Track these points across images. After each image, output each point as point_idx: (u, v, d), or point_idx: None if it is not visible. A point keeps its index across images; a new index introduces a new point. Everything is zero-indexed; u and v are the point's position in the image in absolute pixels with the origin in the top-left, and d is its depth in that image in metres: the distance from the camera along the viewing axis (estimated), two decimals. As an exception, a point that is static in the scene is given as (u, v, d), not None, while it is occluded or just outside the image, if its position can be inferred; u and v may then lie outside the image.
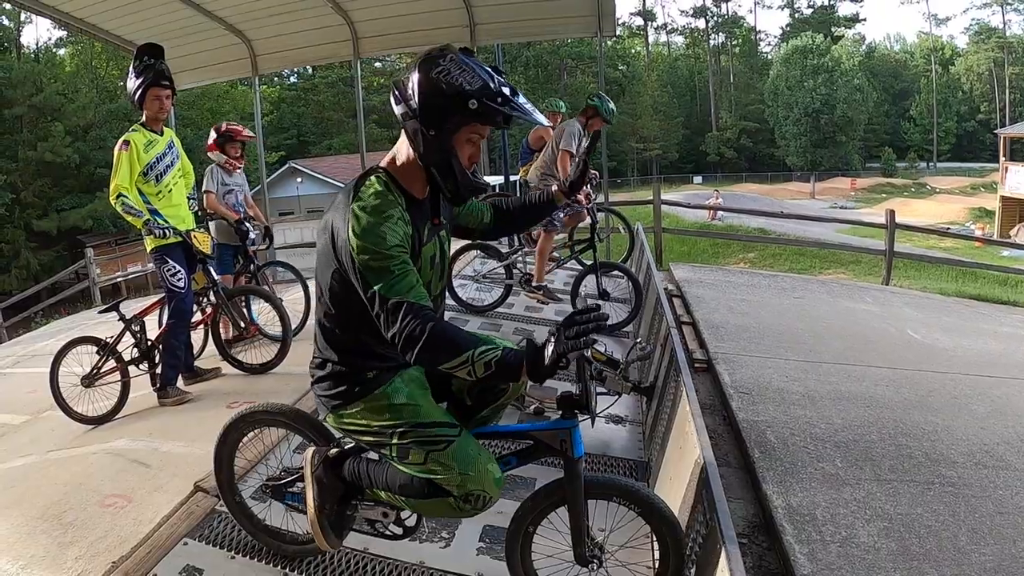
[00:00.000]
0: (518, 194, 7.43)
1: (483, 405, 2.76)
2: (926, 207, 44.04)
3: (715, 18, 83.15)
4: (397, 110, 2.32)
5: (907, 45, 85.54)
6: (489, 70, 2.26)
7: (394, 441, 2.45)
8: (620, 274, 7.26)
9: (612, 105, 7.12)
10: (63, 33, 42.57)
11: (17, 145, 33.94)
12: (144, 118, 5.23)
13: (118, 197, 5.06)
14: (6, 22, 39.92)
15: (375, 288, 2.20)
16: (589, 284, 6.92)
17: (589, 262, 6.93)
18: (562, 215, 6.93)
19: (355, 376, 2.50)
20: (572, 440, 2.47)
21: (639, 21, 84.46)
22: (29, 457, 4.80)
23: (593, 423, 2.48)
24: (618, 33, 74.71)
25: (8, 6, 36.90)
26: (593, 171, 8.29)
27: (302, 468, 2.83)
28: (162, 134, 5.30)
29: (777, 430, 4.56)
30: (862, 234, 23.43)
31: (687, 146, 73.80)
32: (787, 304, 8.60)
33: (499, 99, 2.22)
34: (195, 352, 6.01)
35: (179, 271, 5.27)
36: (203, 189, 6.50)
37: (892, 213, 11.81)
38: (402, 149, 2.40)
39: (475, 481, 2.40)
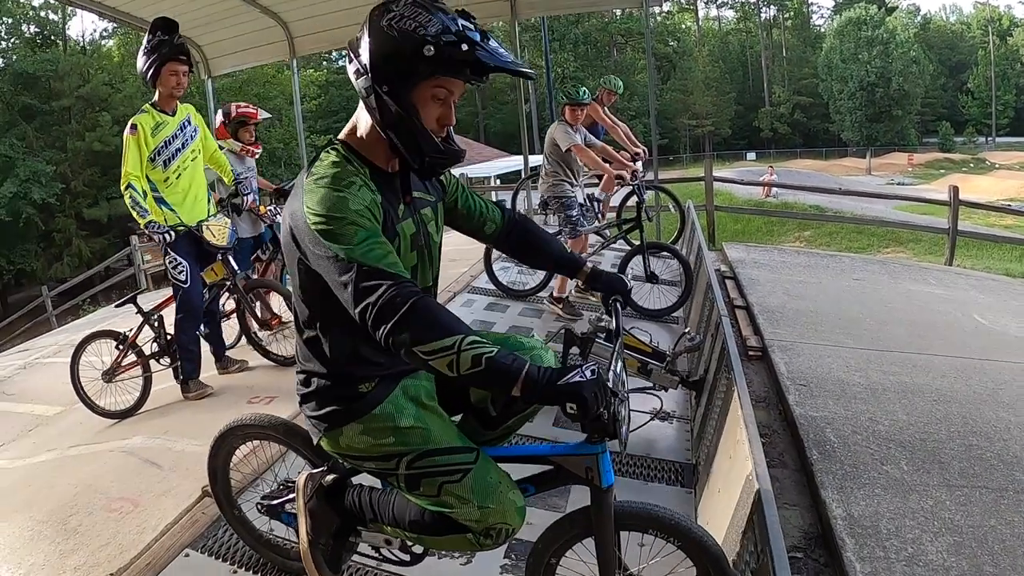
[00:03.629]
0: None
1: (510, 415, 2.36)
2: (986, 183, 42.36)
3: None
4: (350, 70, 1.97)
5: (963, 16, 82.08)
6: (454, 14, 1.89)
7: (401, 470, 2.08)
8: (669, 255, 6.86)
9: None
10: (109, 25, 42.98)
11: (66, 136, 34.24)
12: (156, 97, 4.96)
13: (127, 187, 4.83)
14: (53, 16, 40.52)
15: (338, 252, 1.80)
16: (636, 266, 6.50)
17: (637, 242, 6.54)
18: (585, 222, 6.56)
19: (346, 392, 2.11)
20: (600, 467, 2.05)
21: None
22: (52, 452, 4.78)
23: (623, 449, 2.07)
24: (665, 4, 73.74)
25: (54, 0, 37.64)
26: (642, 147, 7.91)
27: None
28: (174, 114, 5.01)
29: (837, 427, 4.17)
30: (920, 211, 22.57)
31: (740, 122, 72.26)
32: (847, 286, 8.12)
33: (463, 43, 1.83)
34: (229, 343, 5.83)
35: (181, 263, 4.99)
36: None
37: (955, 190, 11.19)
38: (361, 117, 2.03)
39: (496, 514, 2.03)
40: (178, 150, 5.01)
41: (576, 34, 67.63)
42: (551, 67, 44.91)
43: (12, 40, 38.98)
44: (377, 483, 2.36)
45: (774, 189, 24.86)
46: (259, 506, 2.71)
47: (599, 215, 7.72)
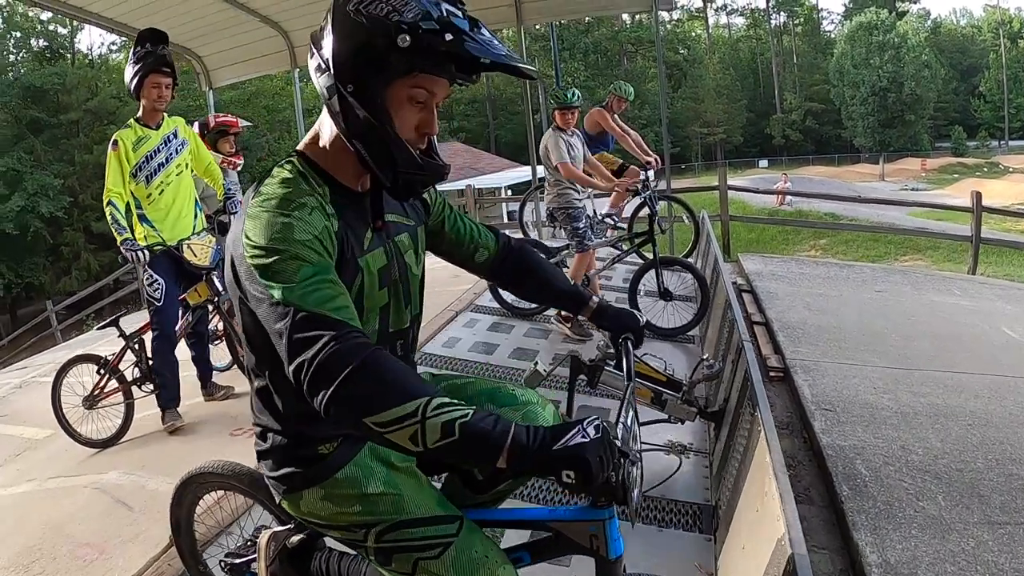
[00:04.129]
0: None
1: (500, 479, 2.00)
2: (1000, 187, 41.64)
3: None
4: (311, 66, 1.60)
5: (973, 19, 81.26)
6: None
7: (370, 543, 1.71)
8: (683, 269, 6.46)
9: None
10: (118, 38, 43.03)
11: (74, 149, 34.10)
12: (140, 110, 4.73)
13: (108, 203, 4.62)
14: (62, 30, 40.64)
15: (274, 292, 1.43)
16: (649, 281, 6.14)
17: (651, 256, 6.20)
18: (594, 235, 6.23)
19: (304, 453, 1.74)
20: (607, 535, 1.68)
21: (698, 3, 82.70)
22: (32, 483, 4.64)
23: (634, 521, 1.69)
24: (675, 12, 73.67)
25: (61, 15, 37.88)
26: (653, 156, 7.60)
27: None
28: (158, 127, 4.77)
29: (868, 458, 3.84)
30: (934, 217, 22.11)
31: (751, 129, 71.80)
32: (869, 299, 7.75)
33: (446, 32, 1.46)
34: (225, 366, 5.63)
35: (157, 281, 4.75)
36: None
37: (979, 196, 10.80)
38: (324, 123, 1.66)
39: None
40: (161, 165, 4.77)
41: (586, 43, 67.52)
42: (561, 76, 44.88)
43: (21, 54, 39.27)
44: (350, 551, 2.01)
45: (788, 197, 24.56)
46: (222, 564, 2.35)
47: (614, 226, 7.40)
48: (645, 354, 4.15)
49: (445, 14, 1.48)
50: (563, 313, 6.14)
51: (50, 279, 33.40)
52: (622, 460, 1.47)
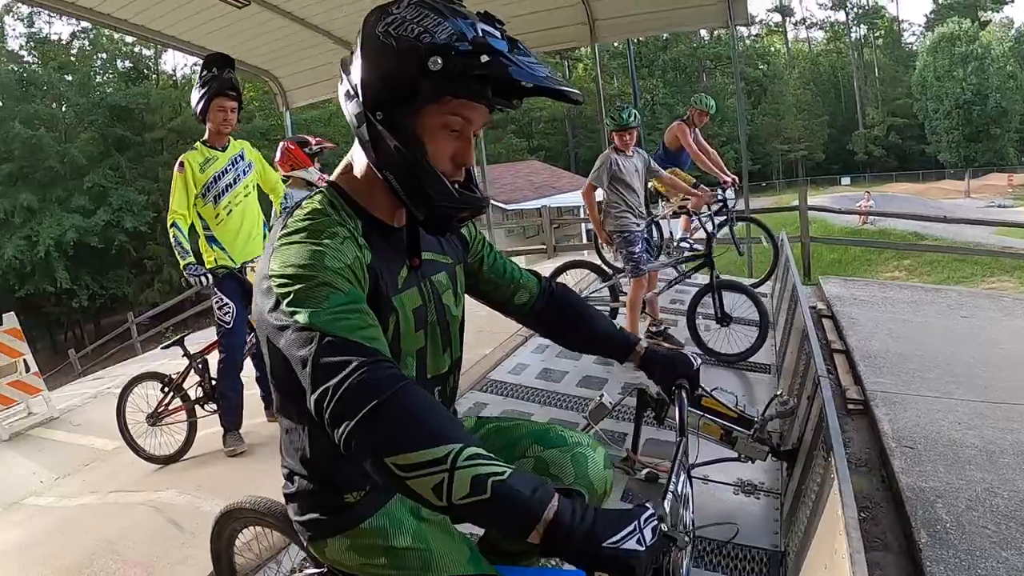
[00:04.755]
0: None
1: None
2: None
3: (855, 9, 79.00)
4: (340, 92, 1.50)
5: (1060, 27, 78.37)
6: (473, 17, 1.40)
7: None
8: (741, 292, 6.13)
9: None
10: (199, 60, 44.64)
11: (158, 166, 35.29)
12: (206, 133, 4.79)
13: (172, 225, 4.71)
14: (146, 51, 42.17)
15: (299, 317, 1.31)
16: (708, 305, 5.91)
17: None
18: (650, 259, 6.02)
19: (330, 501, 1.64)
20: None
21: (777, 17, 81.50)
22: (94, 495, 4.76)
23: None
24: (753, 27, 72.85)
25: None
26: (731, 176, 7.40)
27: None
28: (225, 149, 4.84)
29: (950, 501, 3.54)
30: (1018, 236, 21.00)
31: (833, 146, 70.12)
32: (955, 326, 7.30)
33: (482, 54, 1.34)
34: None
35: (227, 304, 4.78)
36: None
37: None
38: (357, 154, 1.56)
39: None
40: (228, 186, 4.82)
41: (665, 60, 67.09)
42: (639, 93, 44.50)
43: (107, 75, 40.74)
44: None
45: (871, 216, 23.86)
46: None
47: (691, 250, 7.21)
48: (716, 388, 3.95)
49: (481, 35, 1.37)
50: None
51: (133, 291, 34.94)
52: (670, 545, 1.23)
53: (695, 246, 7.40)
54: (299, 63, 11.33)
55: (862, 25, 78.48)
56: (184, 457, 4.91)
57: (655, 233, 8.01)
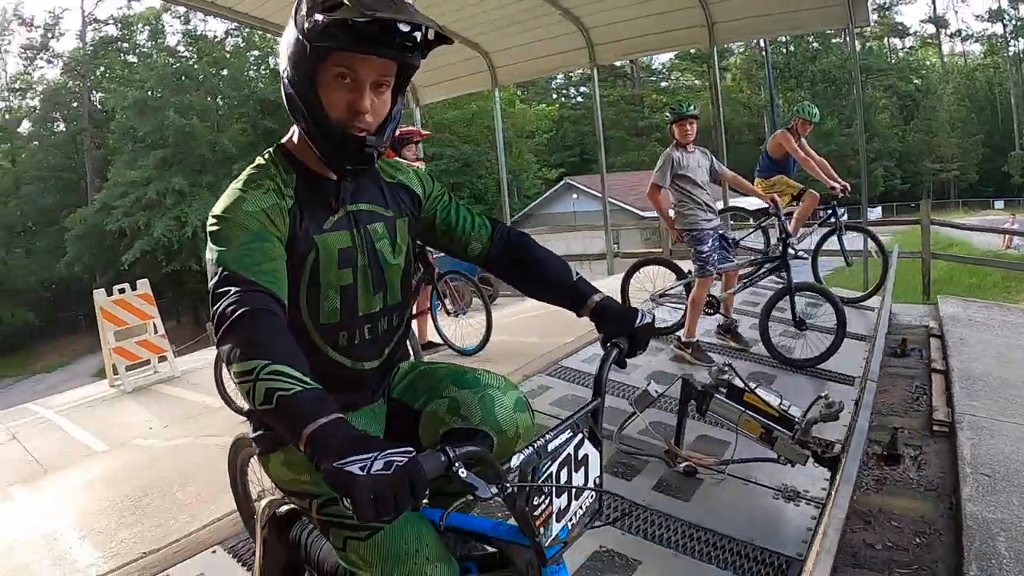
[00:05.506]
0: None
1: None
2: None
3: (1013, 21, 73.74)
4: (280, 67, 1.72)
5: None
6: None
7: (313, 513, 1.75)
8: (820, 296, 5.92)
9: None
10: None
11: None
12: None
13: None
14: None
15: (214, 255, 1.55)
16: (785, 309, 5.74)
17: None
18: (716, 257, 5.79)
19: None
20: (542, 570, 1.50)
21: (931, 29, 77.38)
22: (188, 439, 5.42)
23: (544, 565, 1.50)
24: (908, 39, 69.66)
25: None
26: (841, 182, 7.21)
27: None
28: None
29: (1014, 535, 3.23)
30: None
31: (988, 166, 65.41)
32: (1076, 354, 6.82)
33: (339, 7, 1.50)
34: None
35: None
36: None
37: None
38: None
39: None
40: None
41: (813, 71, 64.92)
42: (776, 100, 43.37)
43: (260, 70, 42.91)
44: None
45: (1015, 239, 22.54)
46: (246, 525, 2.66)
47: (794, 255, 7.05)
48: (759, 384, 3.85)
49: None
50: (683, 339, 5.82)
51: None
52: (522, 491, 1.40)
53: (800, 253, 7.24)
54: (428, 61, 11.65)
55: (1021, 39, 73.46)
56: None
57: (763, 238, 7.96)
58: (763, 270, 6.09)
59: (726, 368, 3.87)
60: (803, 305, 5.79)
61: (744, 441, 3.74)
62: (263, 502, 2.17)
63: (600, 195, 13.44)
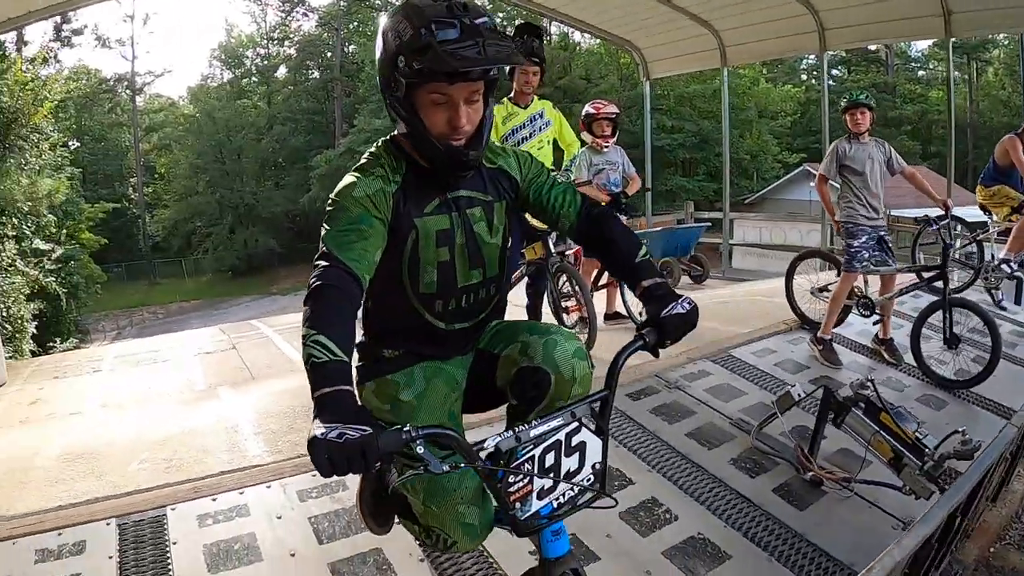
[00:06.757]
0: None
1: (527, 406, 2.13)
2: None
3: None
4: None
5: None
6: (440, 12, 1.76)
7: None
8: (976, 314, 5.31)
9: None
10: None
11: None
12: (512, 92, 5.53)
13: None
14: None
15: (322, 231, 1.84)
16: (937, 322, 5.33)
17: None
18: (866, 255, 5.49)
19: (373, 351, 2.18)
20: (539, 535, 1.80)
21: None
22: (263, 390, 5.67)
23: (519, 535, 1.78)
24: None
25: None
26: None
27: None
28: (527, 107, 5.55)
29: None
30: None
31: None
32: None
33: (427, 51, 1.72)
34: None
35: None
36: (573, 178, 6.08)
37: None
38: None
39: (436, 519, 2.00)
40: (524, 139, 5.53)
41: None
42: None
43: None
44: None
45: None
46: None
47: (1010, 276, 6.65)
48: (900, 407, 3.73)
49: (433, 29, 1.74)
50: (818, 334, 5.65)
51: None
52: (483, 469, 1.65)
53: (1016, 272, 6.76)
54: (658, 36, 12.02)
55: None
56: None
57: (976, 252, 7.45)
58: (921, 280, 5.70)
59: (868, 383, 3.78)
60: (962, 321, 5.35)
61: (877, 464, 3.65)
62: None
63: (837, 185, 12.66)
